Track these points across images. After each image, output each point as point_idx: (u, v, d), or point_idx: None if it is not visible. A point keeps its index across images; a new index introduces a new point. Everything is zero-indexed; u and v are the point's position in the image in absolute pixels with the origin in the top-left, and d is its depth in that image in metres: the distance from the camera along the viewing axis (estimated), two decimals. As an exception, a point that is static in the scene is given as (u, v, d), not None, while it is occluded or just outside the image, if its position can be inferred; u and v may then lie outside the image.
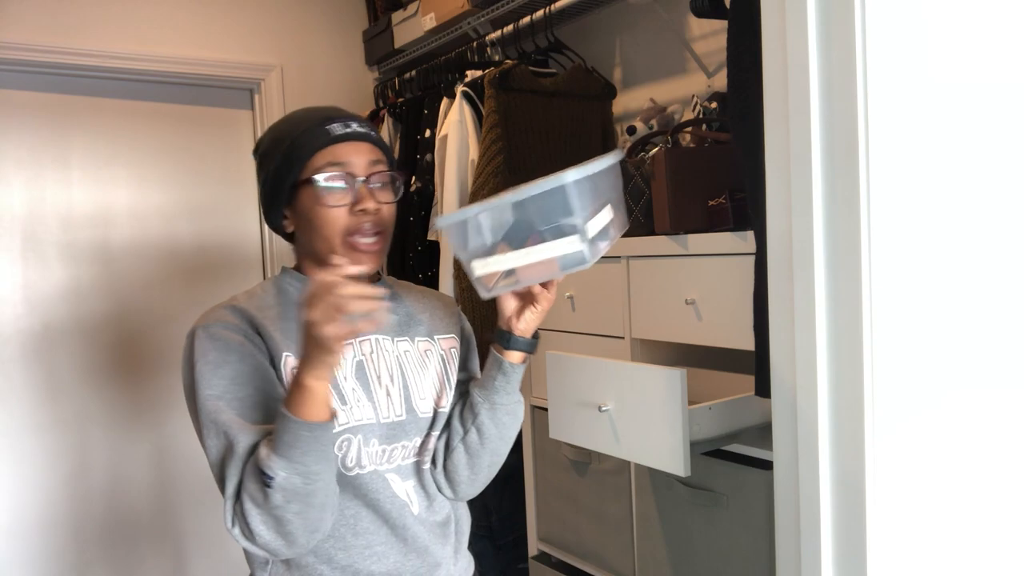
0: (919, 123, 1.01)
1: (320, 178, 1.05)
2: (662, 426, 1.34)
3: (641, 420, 1.38)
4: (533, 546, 2.21)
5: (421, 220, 2.50)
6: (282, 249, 2.82)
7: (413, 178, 2.53)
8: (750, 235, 1.45)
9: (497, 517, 2.51)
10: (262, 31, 2.82)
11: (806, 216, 1.02)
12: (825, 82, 0.99)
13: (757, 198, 1.25)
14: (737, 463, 1.54)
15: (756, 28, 1.10)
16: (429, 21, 2.58)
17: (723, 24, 1.69)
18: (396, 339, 1.15)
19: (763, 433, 1.49)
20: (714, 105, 1.91)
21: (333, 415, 0.96)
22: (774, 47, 1.06)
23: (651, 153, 1.80)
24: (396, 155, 2.64)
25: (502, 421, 1.15)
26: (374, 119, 2.81)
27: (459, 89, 2.32)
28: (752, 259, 1.40)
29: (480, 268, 0.93)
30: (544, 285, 1.05)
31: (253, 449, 0.98)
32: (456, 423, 1.16)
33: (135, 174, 2.68)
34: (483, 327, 2.04)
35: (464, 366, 1.24)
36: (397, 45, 2.80)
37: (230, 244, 2.85)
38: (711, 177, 1.67)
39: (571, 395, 1.52)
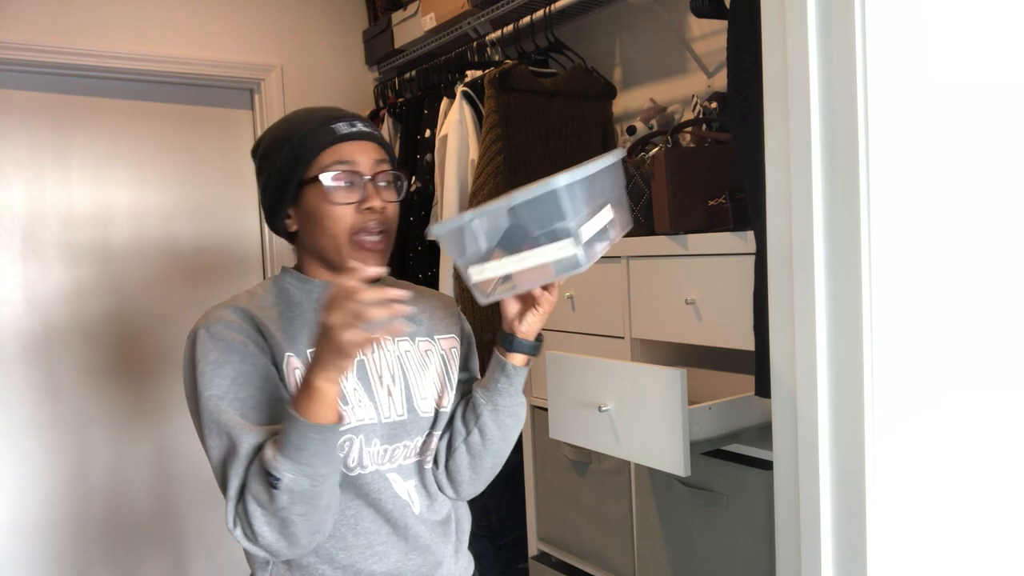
0: (919, 123, 1.01)
1: (328, 176, 1.06)
2: (662, 426, 1.34)
3: (641, 420, 1.38)
4: (533, 546, 2.21)
5: (421, 220, 2.50)
6: (282, 249, 2.82)
7: (413, 178, 2.53)
8: (750, 235, 1.45)
9: (497, 517, 2.51)
10: (262, 31, 2.82)
11: (806, 216, 1.02)
12: (825, 82, 0.99)
13: (757, 198, 1.25)
14: (737, 463, 1.54)
15: (756, 28, 1.10)
16: (429, 21, 2.58)
17: (723, 24, 1.69)
18: (397, 339, 1.15)
19: (763, 433, 1.49)
20: (714, 105, 1.91)
21: (340, 418, 0.96)
22: (774, 47, 1.06)
23: (651, 153, 1.80)
24: (396, 155, 2.64)
25: (504, 423, 1.15)
26: (374, 119, 2.81)
27: (459, 89, 2.32)
28: (752, 259, 1.40)
29: (476, 274, 0.93)
30: (545, 288, 1.05)
31: (256, 450, 0.98)
32: (459, 424, 1.17)
33: (135, 174, 2.68)
34: (483, 327, 2.04)
35: (465, 366, 1.24)
36: (397, 45, 2.80)
37: (230, 244, 2.85)
38: (711, 177, 1.67)
39: (571, 395, 1.52)
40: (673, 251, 1.67)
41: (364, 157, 1.08)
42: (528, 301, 1.08)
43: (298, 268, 1.16)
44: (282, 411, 1.02)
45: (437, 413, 1.16)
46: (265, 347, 1.05)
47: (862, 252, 0.97)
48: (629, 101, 2.41)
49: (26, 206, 2.51)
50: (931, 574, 1.06)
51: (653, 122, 2.08)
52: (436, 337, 1.20)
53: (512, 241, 0.90)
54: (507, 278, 0.93)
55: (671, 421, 1.32)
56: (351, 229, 1.06)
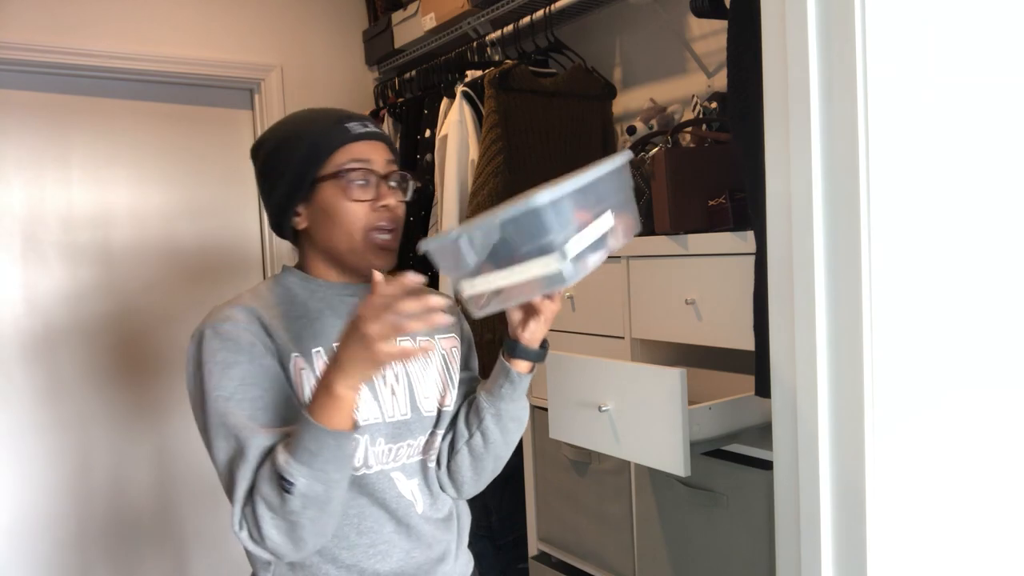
0: (919, 123, 1.01)
1: (348, 172, 1.07)
2: (662, 426, 1.34)
3: (641, 420, 1.38)
4: (533, 546, 2.21)
5: (421, 220, 2.50)
6: (282, 249, 2.83)
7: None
8: (750, 235, 1.45)
9: (497, 517, 2.51)
10: (262, 31, 2.82)
11: (806, 216, 1.02)
12: (825, 82, 0.99)
13: (757, 198, 1.25)
14: (737, 463, 1.54)
15: (756, 28, 1.10)
16: (429, 21, 2.58)
17: (723, 24, 1.69)
18: (398, 339, 1.15)
19: (763, 433, 1.49)
20: (714, 105, 1.91)
21: (356, 425, 0.96)
22: (774, 47, 1.06)
23: (651, 153, 1.80)
24: (396, 155, 2.64)
25: (507, 427, 1.16)
26: (374, 119, 2.81)
27: (459, 89, 2.32)
28: (752, 259, 1.40)
29: (468, 288, 0.93)
30: (547, 295, 1.05)
31: (264, 453, 0.97)
32: (461, 426, 1.17)
33: (135, 174, 2.68)
34: (483, 327, 2.04)
35: (465, 365, 1.24)
36: (397, 45, 2.80)
37: (230, 244, 2.85)
38: (711, 177, 1.67)
39: (571, 395, 1.52)
40: (673, 251, 1.67)
41: (378, 156, 1.10)
42: (530, 309, 1.08)
43: (300, 267, 1.16)
44: (296, 414, 1.02)
45: (440, 412, 1.17)
46: (272, 347, 1.05)
47: (862, 252, 0.97)
48: (629, 101, 2.41)
49: (26, 206, 2.51)
50: (931, 574, 1.06)
51: (653, 122, 2.08)
52: (437, 337, 1.20)
53: (501, 255, 0.89)
54: (499, 291, 0.92)
55: (671, 421, 1.32)
56: (366, 227, 1.07)
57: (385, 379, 1.11)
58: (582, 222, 0.91)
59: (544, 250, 0.86)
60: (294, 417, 1.02)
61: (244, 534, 0.97)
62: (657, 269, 1.72)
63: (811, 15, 0.99)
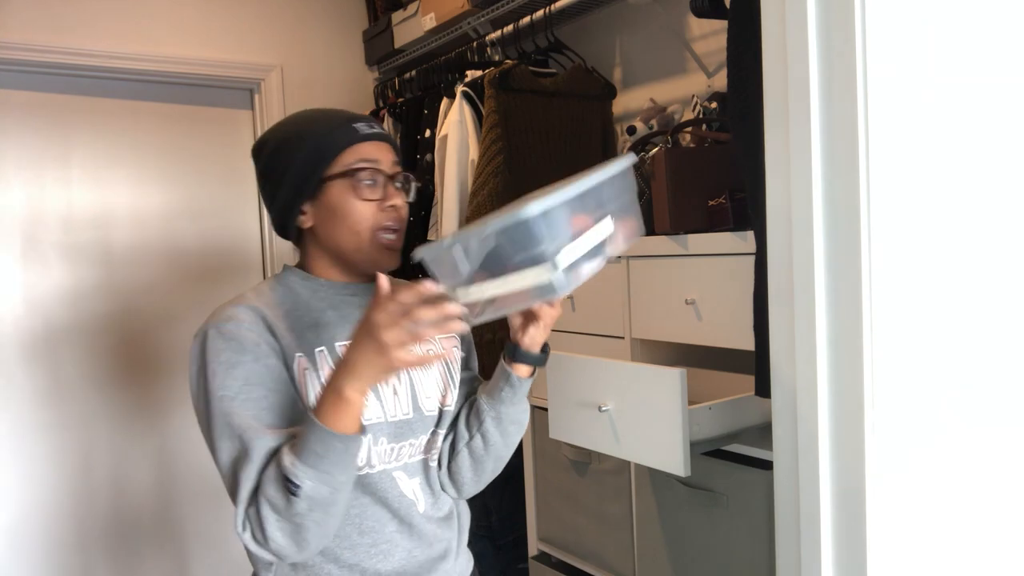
0: (919, 123, 1.01)
1: (358, 172, 1.07)
2: (662, 426, 1.34)
3: (641, 420, 1.38)
4: (533, 546, 2.21)
5: (421, 220, 2.50)
6: (283, 249, 2.83)
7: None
8: (750, 235, 1.45)
9: (497, 517, 2.51)
10: (262, 31, 2.82)
11: (806, 216, 1.02)
12: (825, 82, 0.99)
13: (757, 198, 1.25)
14: (737, 463, 1.54)
15: (756, 28, 1.10)
16: (429, 21, 2.58)
17: (723, 24, 1.69)
18: None
19: (763, 433, 1.49)
20: (714, 105, 1.91)
21: (363, 428, 0.96)
22: (774, 47, 1.06)
23: (651, 153, 1.80)
24: (396, 155, 2.64)
25: (507, 431, 1.16)
26: (375, 119, 2.81)
27: (459, 89, 2.32)
28: (752, 259, 1.40)
29: (463, 297, 0.93)
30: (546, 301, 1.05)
31: (268, 454, 0.97)
32: (462, 427, 1.17)
33: (135, 174, 2.68)
34: (482, 328, 2.04)
35: (466, 365, 1.25)
36: (397, 45, 2.80)
37: (231, 244, 2.85)
38: (711, 177, 1.67)
39: (571, 395, 1.52)
40: (673, 251, 1.67)
41: (384, 157, 1.11)
42: (530, 314, 1.08)
43: (301, 267, 1.16)
44: (299, 414, 1.02)
45: (441, 412, 1.17)
46: (276, 347, 1.05)
47: (862, 252, 0.97)
48: (629, 101, 2.41)
49: (26, 206, 2.51)
50: (931, 574, 1.06)
51: (653, 122, 2.08)
52: (437, 337, 1.20)
53: (494, 264, 0.88)
54: (493, 300, 0.92)
55: (671, 421, 1.32)
56: (374, 226, 1.08)
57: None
58: (579, 229, 0.90)
59: (536, 260, 0.85)
60: (298, 417, 1.02)
61: (247, 535, 0.97)
62: (657, 269, 1.72)
63: (811, 15, 0.99)
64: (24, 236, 2.50)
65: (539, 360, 1.11)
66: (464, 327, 0.90)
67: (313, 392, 1.05)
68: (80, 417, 2.57)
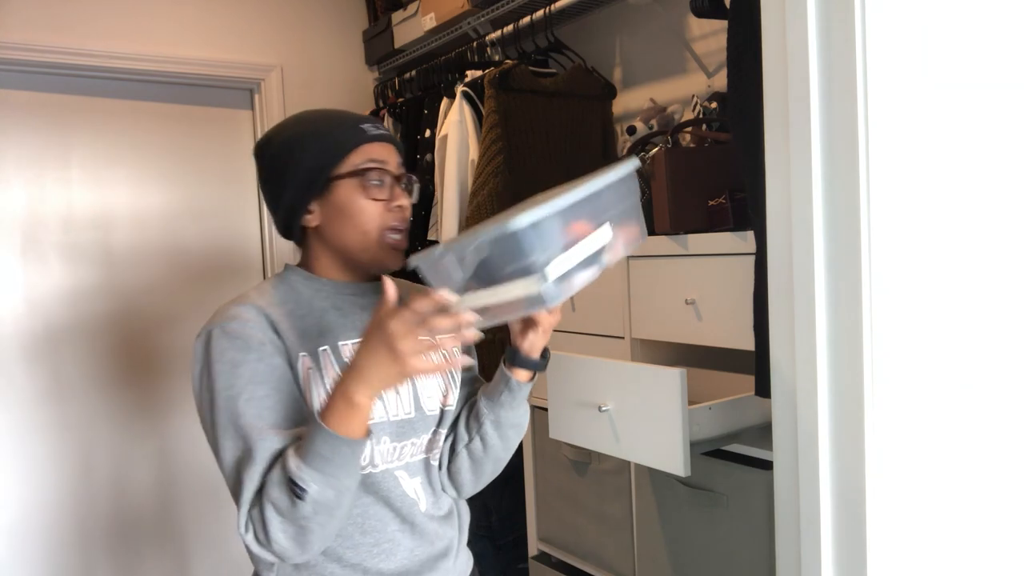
0: (919, 123, 1.01)
1: (368, 172, 1.08)
2: (662, 426, 1.34)
3: (641, 420, 1.38)
4: (533, 546, 2.21)
5: (421, 220, 2.50)
6: (283, 249, 2.83)
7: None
8: (750, 235, 1.45)
9: (497, 517, 2.51)
10: (262, 31, 2.82)
11: (806, 216, 1.02)
12: (825, 82, 0.99)
13: (757, 198, 1.25)
14: (737, 463, 1.54)
15: (756, 28, 1.10)
16: (429, 21, 2.58)
17: (723, 24, 1.69)
18: None
19: (763, 433, 1.49)
20: (714, 105, 1.92)
21: (369, 432, 0.96)
22: (774, 47, 1.06)
23: (651, 153, 1.80)
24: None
25: (506, 434, 1.17)
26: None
27: (459, 89, 2.32)
28: (752, 259, 1.40)
29: (464, 304, 0.94)
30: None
31: (272, 455, 0.97)
32: (461, 429, 1.18)
33: (135, 174, 2.68)
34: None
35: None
36: (397, 45, 2.80)
37: (231, 244, 2.85)
38: (711, 177, 1.67)
39: (571, 395, 1.52)
40: (673, 251, 1.67)
41: (391, 158, 1.11)
42: (528, 320, 1.08)
43: (303, 266, 1.16)
44: (303, 413, 1.03)
45: (442, 412, 1.17)
46: (280, 346, 1.05)
47: (862, 252, 0.97)
48: (629, 101, 2.41)
49: (27, 206, 2.51)
50: (931, 574, 1.06)
51: (653, 122, 2.08)
52: (438, 337, 1.20)
53: (485, 274, 0.88)
54: (486, 309, 0.92)
55: (671, 421, 1.32)
56: (381, 226, 1.09)
57: None
58: (574, 237, 0.89)
59: (526, 271, 0.84)
60: (302, 416, 1.02)
61: (249, 536, 0.97)
62: (657, 269, 1.72)
63: (811, 15, 0.99)
64: (24, 236, 2.50)
65: (538, 365, 1.12)
66: (478, 336, 0.90)
67: (316, 391, 1.05)
68: (81, 417, 2.57)
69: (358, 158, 1.08)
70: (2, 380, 2.46)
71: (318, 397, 1.05)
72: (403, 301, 0.95)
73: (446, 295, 0.87)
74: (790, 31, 1.02)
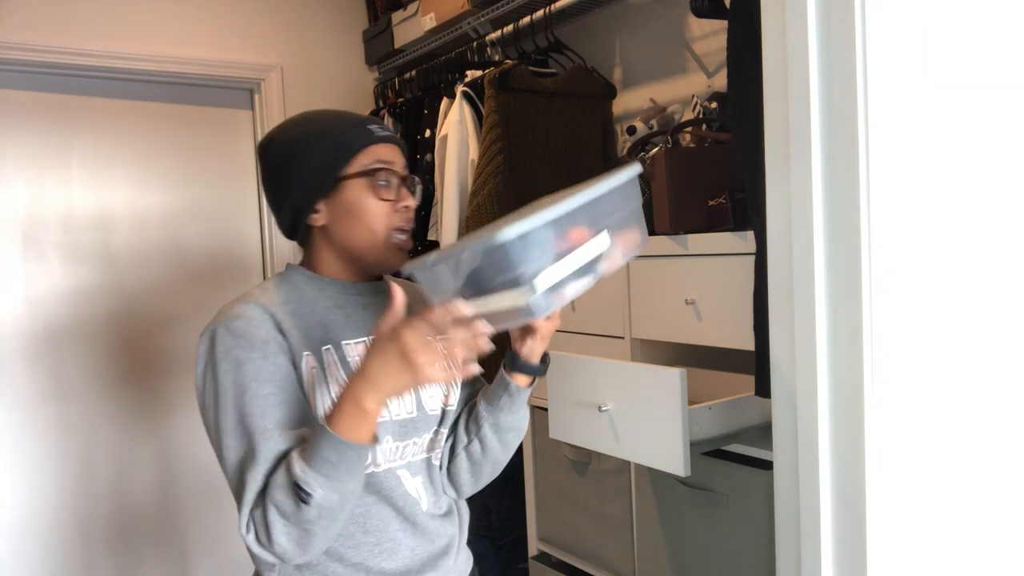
0: (919, 123, 1.01)
1: (377, 172, 1.09)
2: (662, 426, 1.34)
3: (641, 420, 1.38)
4: (533, 546, 2.21)
5: (421, 220, 2.50)
6: (283, 249, 2.83)
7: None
8: (750, 235, 1.45)
9: (497, 517, 2.51)
10: (262, 31, 2.82)
11: (806, 216, 1.02)
12: (825, 82, 0.99)
13: (757, 198, 1.25)
14: (737, 463, 1.54)
15: (756, 28, 1.10)
16: (429, 21, 2.58)
17: (723, 24, 1.69)
18: None
19: (763, 433, 1.49)
20: (714, 105, 1.92)
21: (376, 437, 0.96)
22: (774, 47, 1.06)
23: (651, 153, 1.81)
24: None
25: (505, 437, 1.17)
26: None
27: (459, 89, 2.32)
28: (752, 259, 1.40)
29: None
30: None
31: (275, 456, 0.97)
32: (461, 431, 1.19)
33: (135, 174, 2.68)
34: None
35: None
36: (397, 45, 2.80)
37: (231, 244, 2.85)
38: (711, 177, 1.67)
39: (571, 395, 1.52)
40: (673, 251, 1.67)
41: (397, 159, 1.12)
42: (527, 326, 1.08)
43: (305, 265, 1.16)
44: (306, 412, 1.03)
45: (444, 411, 1.18)
46: (285, 345, 1.05)
47: (862, 252, 0.97)
48: (629, 101, 2.41)
49: (27, 206, 2.51)
50: (931, 574, 1.06)
51: (653, 122, 2.08)
52: (439, 336, 1.20)
53: (476, 284, 0.87)
54: (480, 317, 0.92)
55: (671, 421, 1.32)
56: (388, 226, 1.10)
57: None
58: (567, 246, 0.88)
59: (514, 282, 0.83)
60: (305, 415, 1.03)
61: (251, 537, 0.97)
62: (657, 269, 1.72)
63: (811, 15, 0.99)
64: (24, 236, 2.50)
65: (537, 371, 1.12)
66: (491, 347, 0.90)
67: (320, 391, 1.05)
68: (81, 417, 2.57)
69: (366, 159, 1.09)
70: (3, 380, 2.46)
71: (321, 397, 1.05)
72: (409, 306, 0.95)
73: (462, 306, 0.87)
74: (790, 31, 1.02)
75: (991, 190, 1.09)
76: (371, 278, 1.16)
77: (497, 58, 2.41)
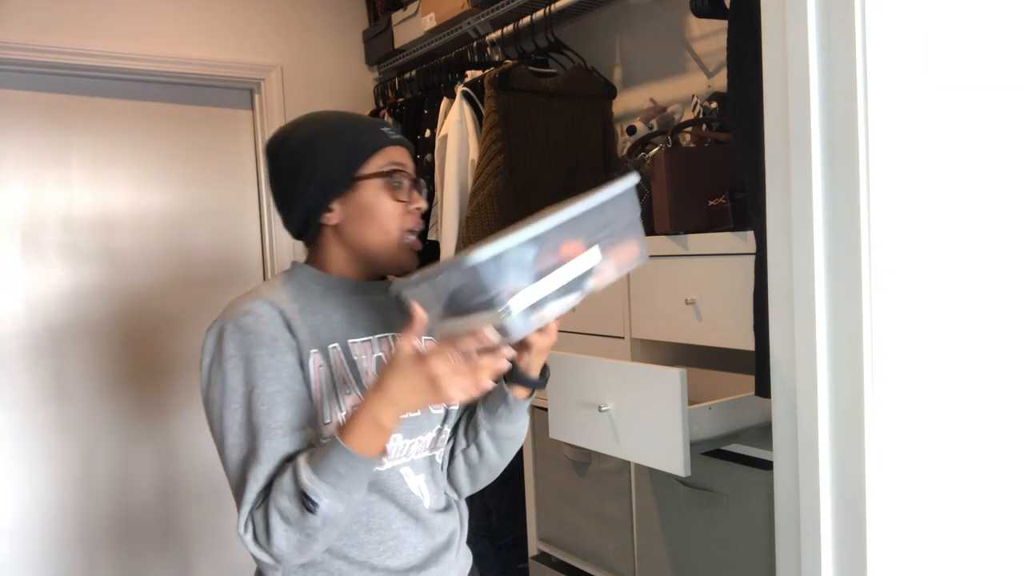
0: (919, 123, 1.01)
1: (393, 174, 1.11)
2: (662, 426, 1.34)
3: (641, 420, 1.38)
4: (533, 546, 2.21)
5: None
6: (283, 249, 2.83)
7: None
8: (750, 235, 1.45)
9: (497, 517, 2.51)
10: (262, 31, 2.82)
11: (806, 216, 1.02)
12: (825, 82, 0.99)
13: (757, 198, 1.25)
14: (737, 463, 1.54)
15: (756, 28, 1.10)
16: (429, 21, 2.58)
17: (723, 24, 1.69)
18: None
19: (763, 433, 1.49)
20: (714, 105, 1.92)
21: (386, 451, 0.97)
22: (774, 47, 1.06)
23: (651, 153, 1.81)
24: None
25: (502, 445, 1.18)
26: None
27: (459, 89, 2.31)
28: (752, 259, 1.40)
29: (438, 333, 0.94)
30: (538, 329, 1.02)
31: (278, 457, 0.98)
32: (460, 435, 1.20)
33: (135, 174, 2.68)
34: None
35: None
36: (397, 45, 2.80)
37: (231, 244, 2.85)
38: (711, 177, 1.67)
39: (571, 395, 1.52)
40: (673, 251, 1.67)
41: (408, 162, 1.14)
42: (523, 340, 1.06)
43: (312, 263, 1.16)
44: (312, 411, 1.03)
45: (447, 411, 1.18)
46: (293, 343, 1.05)
47: (862, 252, 0.97)
48: (629, 101, 2.41)
49: (27, 206, 2.51)
50: (931, 574, 1.06)
51: (653, 122, 2.08)
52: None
53: (456, 304, 0.88)
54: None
55: (671, 421, 1.32)
56: (401, 227, 1.11)
57: None
58: (550, 264, 0.87)
59: (490, 304, 0.83)
60: (310, 414, 1.03)
61: (249, 536, 0.97)
62: (657, 269, 1.72)
63: (811, 15, 0.99)
64: (24, 236, 2.50)
65: (536, 384, 1.12)
66: (508, 367, 0.92)
67: (326, 390, 1.05)
68: (83, 417, 2.57)
69: (381, 160, 1.10)
70: (3, 380, 2.46)
71: (327, 397, 1.05)
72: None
73: (491, 333, 0.87)
74: (790, 31, 1.02)
75: (991, 190, 1.09)
76: (377, 277, 1.17)
77: (497, 58, 2.41)
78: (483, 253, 0.81)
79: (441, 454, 1.18)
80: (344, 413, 1.05)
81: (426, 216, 2.46)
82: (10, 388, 2.47)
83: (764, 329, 1.30)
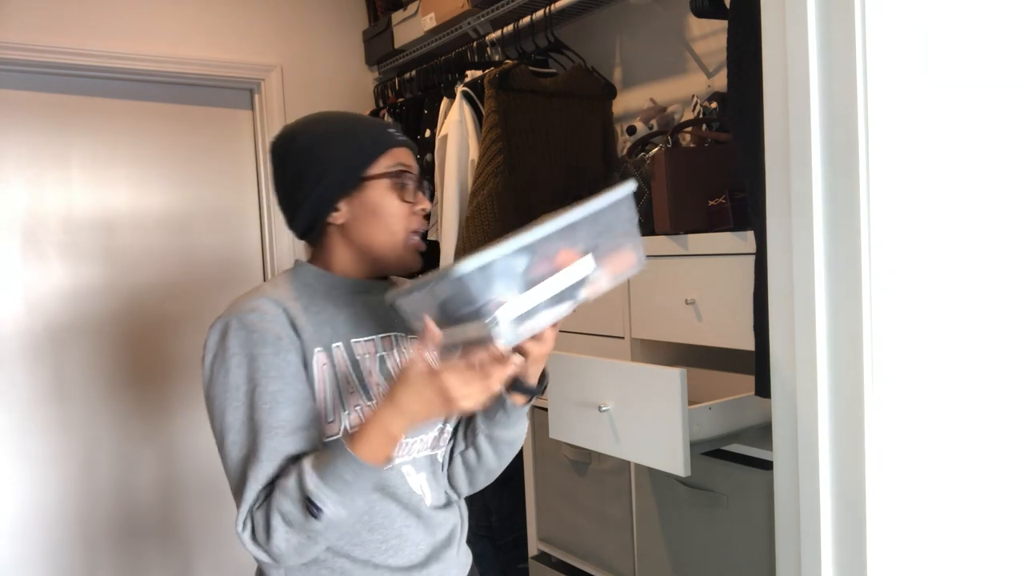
0: (919, 123, 1.01)
1: (401, 174, 1.11)
2: (662, 426, 1.34)
3: (641, 420, 1.38)
4: (533, 546, 2.21)
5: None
6: (283, 249, 2.83)
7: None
8: (750, 235, 1.45)
9: (497, 517, 2.51)
10: (262, 31, 2.82)
11: (806, 216, 1.02)
12: (825, 82, 0.99)
13: (757, 198, 1.25)
14: (737, 463, 1.54)
15: (756, 28, 1.10)
16: (429, 21, 2.58)
17: (723, 24, 1.69)
18: (409, 336, 1.18)
19: (763, 433, 1.49)
20: (714, 105, 1.92)
21: (392, 459, 0.98)
22: (774, 47, 1.06)
23: (651, 153, 1.81)
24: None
25: (500, 449, 1.19)
26: (374, 119, 2.81)
27: (459, 89, 2.31)
28: (752, 259, 1.40)
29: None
30: (536, 336, 1.03)
31: (279, 457, 0.98)
32: (459, 436, 1.21)
33: (135, 174, 2.68)
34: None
35: None
36: (397, 45, 2.80)
37: (231, 244, 2.85)
38: (711, 177, 1.67)
39: (571, 395, 1.52)
40: (673, 251, 1.67)
41: (413, 163, 1.15)
42: (519, 348, 1.06)
43: (315, 262, 1.16)
44: (314, 409, 1.04)
45: None
46: (297, 342, 1.05)
47: (862, 251, 0.97)
48: (629, 101, 2.41)
49: (27, 206, 2.51)
50: (931, 573, 1.06)
51: (653, 122, 2.08)
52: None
53: (447, 313, 0.88)
54: (456, 346, 0.92)
55: (671, 421, 1.32)
56: (407, 227, 1.12)
57: None
58: (542, 273, 0.87)
59: (478, 314, 0.84)
60: (313, 413, 1.03)
61: (246, 535, 0.97)
62: (657, 269, 1.72)
63: (811, 15, 0.99)
64: (24, 236, 2.50)
65: (534, 391, 1.12)
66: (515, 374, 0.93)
67: (330, 389, 1.06)
68: (83, 417, 2.57)
69: (389, 161, 1.11)
70: (3, 380, 2.46)
71: (331, 396, 1.05)
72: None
73: (503, 346, 0.87)
74: (790, 31, 1.02)
75: (991, 190, 1.09)
76: (380, 276, 1.17)
77: (497, 58, 2.41)
78: (469, 264, 0.81)
79: (442, 453, 1.19)
80: (347, 412, 1.05)
81: (426, 216, 2.48)
82: (10, 388, 2.47)
83: (764, 329, 1.30)
